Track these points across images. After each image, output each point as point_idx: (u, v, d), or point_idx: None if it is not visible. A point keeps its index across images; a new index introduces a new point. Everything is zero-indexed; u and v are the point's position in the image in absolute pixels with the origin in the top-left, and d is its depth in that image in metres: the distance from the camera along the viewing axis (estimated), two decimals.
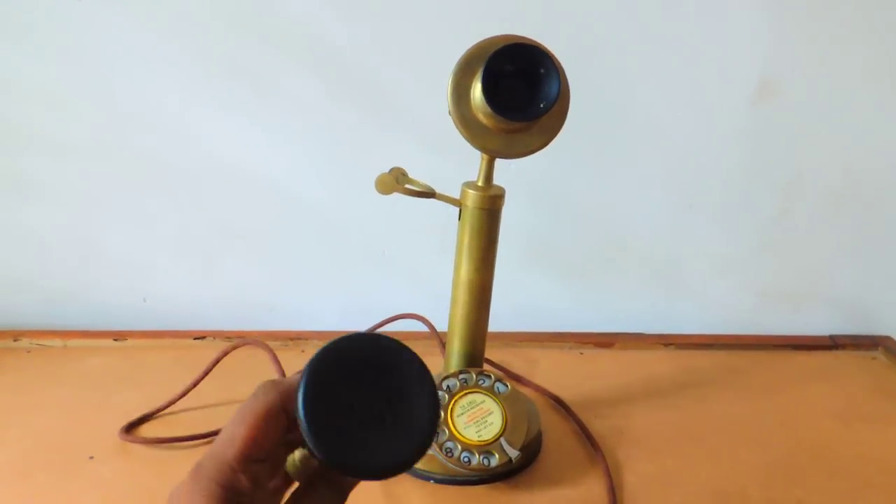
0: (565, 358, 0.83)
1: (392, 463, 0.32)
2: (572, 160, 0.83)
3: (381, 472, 0.32)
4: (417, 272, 0.88)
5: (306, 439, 0.31)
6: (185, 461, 0.61)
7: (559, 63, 0.51)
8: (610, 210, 0.86)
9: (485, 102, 0.49)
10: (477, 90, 0.50)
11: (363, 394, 0.32)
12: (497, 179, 0.58)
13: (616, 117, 0.81)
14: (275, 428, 0.32)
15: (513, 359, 0.81)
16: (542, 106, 0.49)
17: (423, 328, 0.82)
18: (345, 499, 0.35)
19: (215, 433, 0.64)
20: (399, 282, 0.89)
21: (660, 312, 0.91)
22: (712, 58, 0.78)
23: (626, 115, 0.81)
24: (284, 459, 0.33)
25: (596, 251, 0.89)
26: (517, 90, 0.50)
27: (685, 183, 0.85)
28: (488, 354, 0.68)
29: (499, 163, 0.57)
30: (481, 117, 0.52)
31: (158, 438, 0.64)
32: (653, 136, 0.82)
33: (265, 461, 0.33)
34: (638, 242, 0.88)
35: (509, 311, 0.87)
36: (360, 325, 0.82)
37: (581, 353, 0.84)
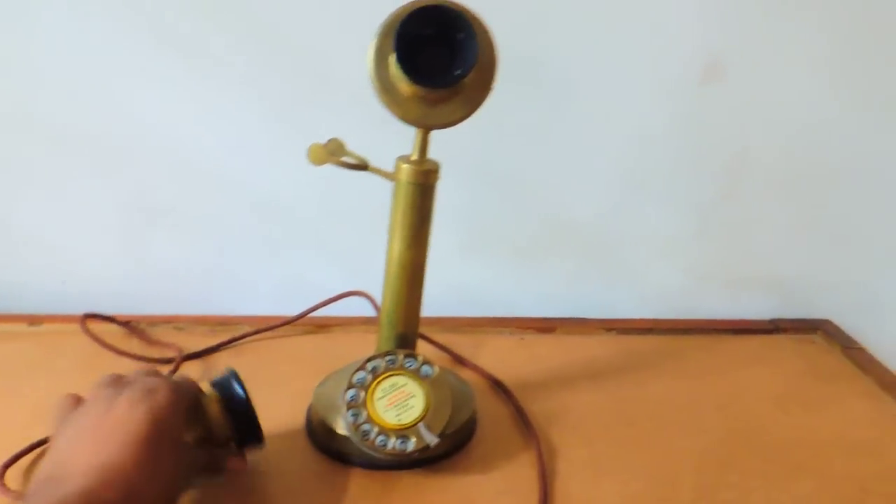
0: (506, 343, 0.81)
1: None
2: (514, 137, 0.80)
3: None
4: (353, 253, 0.85)
5: None
6: None
7: (484, 28, 0.49)
8: (552, 191, 0.84)
9: (398, 68, 0.46)
10: (394, 55, 0.47)
11: None
12: (437, 157, 0.55)
13: (560, 93, 0.78)
14: None
15: (452, 344, 0.78)
16: (457, 73, 0.46)
17: (366, 312, 0.79)
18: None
19: None
20: (334, 263, 0.86)
21: (602, 296, 0.90)
22: (659, 35, 0.76)
23: (571, 92, 0.78)
24: None
25: (537, 233, 0.87)
26: (438, 56, 0.48)
27: (629, 163, 0.83)
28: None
29: (439, 140, 0.54)
30: (400, 84, 0.49)
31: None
32: (598, 115, 0.80)
33: None
34: (579, 225, 0.86)
35: (449, 296, 0.84)
36: (295, 307, 0.79)
37: (522, 339, 0.82)
